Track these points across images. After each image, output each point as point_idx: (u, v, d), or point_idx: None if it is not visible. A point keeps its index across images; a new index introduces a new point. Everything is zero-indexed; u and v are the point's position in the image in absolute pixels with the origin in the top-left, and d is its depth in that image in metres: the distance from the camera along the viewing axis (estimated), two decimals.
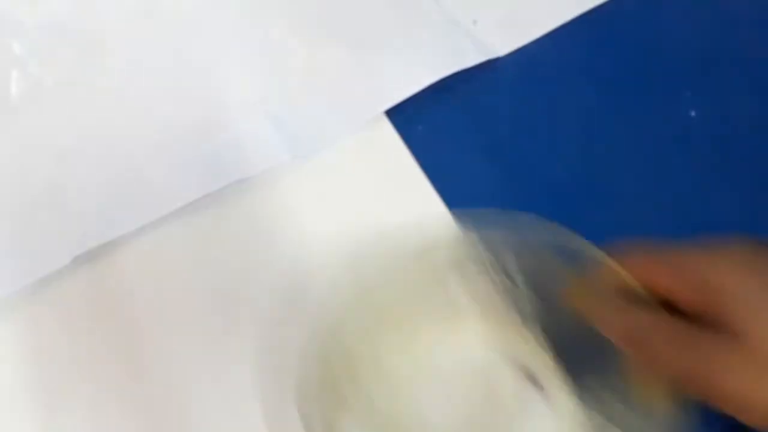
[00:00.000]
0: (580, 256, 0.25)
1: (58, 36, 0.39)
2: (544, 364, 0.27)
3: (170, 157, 0.35)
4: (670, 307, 0.24)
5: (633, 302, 0.25)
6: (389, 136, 0.36)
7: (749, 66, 0.40)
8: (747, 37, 0.41)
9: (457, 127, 0.37)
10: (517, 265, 0.27)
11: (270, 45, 0.39)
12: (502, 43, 0.39)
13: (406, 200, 0.35)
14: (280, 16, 0.40)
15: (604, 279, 0.25)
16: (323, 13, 0.40)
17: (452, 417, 0.27)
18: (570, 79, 0.39)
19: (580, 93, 0.39)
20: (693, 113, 0.38)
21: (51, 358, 0.31)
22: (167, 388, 0.31)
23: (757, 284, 0.23)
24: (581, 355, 0.26)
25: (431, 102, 0.36)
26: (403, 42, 0.39)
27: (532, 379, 0.27)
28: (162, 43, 0.39)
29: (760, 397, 0.22)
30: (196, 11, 0.40)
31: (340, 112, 0.37)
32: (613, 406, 0.25)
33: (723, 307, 0.23)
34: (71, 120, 0.36)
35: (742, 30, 0.41)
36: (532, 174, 0.36)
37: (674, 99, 0.39)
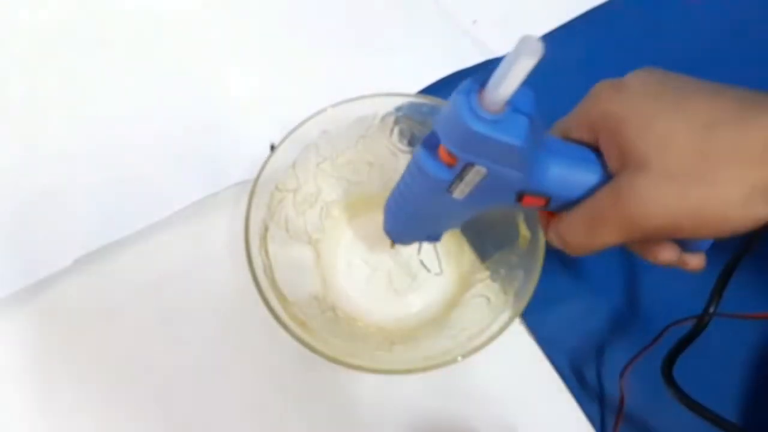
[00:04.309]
0: None
1: (58, 36, 0.39)
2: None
3: (171, 159, 0.35)
4: None
5: None
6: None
7: (749, 66, 0.40)
8: (747, 37, 0.41)
9: None
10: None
11: (271, 46, 0.39)
12: (501, 43, 0.39)
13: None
14: (280, 18, 0.40)
15: None
16: (323, 15, 0.40)
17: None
18: (570, 79, 0.39)
19: (580, 93, 0.39)
20: None
21: (51, 358, 0.32)
22: (167, 389, 0.31)
23: (655, 109, 0.23)
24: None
25: None
26: (403, 42, 0.39)
27: None
28: (163, 44, 0.39)
29: (686, 206, 0.21)
30: (197, 12, 0.40)
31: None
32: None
33: (625, 134, 0.23)
34: (72, 121, 0.36)
35: (742, 30, 0.41)
36: None
37: None
